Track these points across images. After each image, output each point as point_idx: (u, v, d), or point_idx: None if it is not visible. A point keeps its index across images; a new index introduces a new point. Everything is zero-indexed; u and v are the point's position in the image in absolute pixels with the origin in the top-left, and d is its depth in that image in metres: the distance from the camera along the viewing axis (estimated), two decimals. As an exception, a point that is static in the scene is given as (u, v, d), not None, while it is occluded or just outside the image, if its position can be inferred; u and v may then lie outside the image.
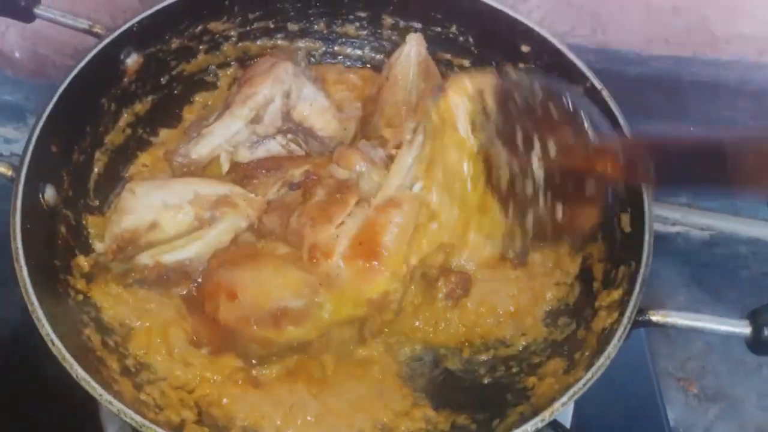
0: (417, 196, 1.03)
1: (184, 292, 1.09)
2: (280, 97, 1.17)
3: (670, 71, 1.38)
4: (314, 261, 0.98)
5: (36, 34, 1.36)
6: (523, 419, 0.89)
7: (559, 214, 0.94)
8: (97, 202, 1.18)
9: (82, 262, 1.07)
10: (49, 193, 1.06)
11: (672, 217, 1.59)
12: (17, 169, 1.01)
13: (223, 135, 1.17)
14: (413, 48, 1.23)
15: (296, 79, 1.19)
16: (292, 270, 0.99)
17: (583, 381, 0.87)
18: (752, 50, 1.33)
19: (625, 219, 1.08)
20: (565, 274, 1.17)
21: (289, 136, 1.21)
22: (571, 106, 0.90)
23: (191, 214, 1.07)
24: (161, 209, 1.06)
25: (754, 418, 1.36)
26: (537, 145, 0.91)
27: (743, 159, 0.69)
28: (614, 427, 1.26)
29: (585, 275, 1.14)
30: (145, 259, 1.05)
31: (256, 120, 1.17)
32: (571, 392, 0.86)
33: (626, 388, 1.27)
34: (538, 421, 0.85)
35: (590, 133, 0.87)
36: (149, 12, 1.19)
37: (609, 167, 0.87)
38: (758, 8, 1.27)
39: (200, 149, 1.17)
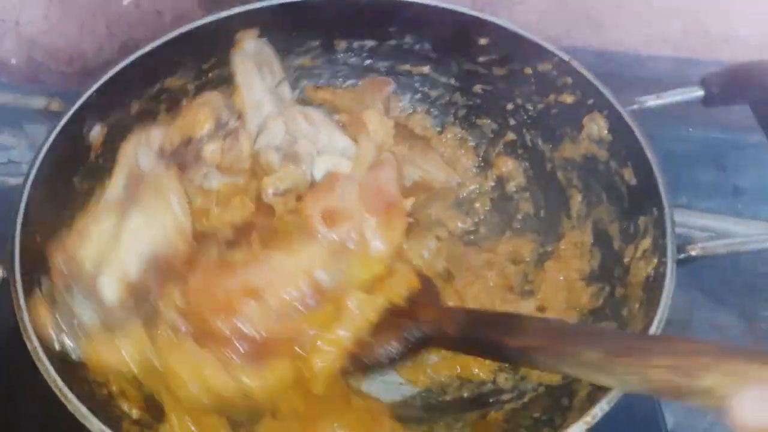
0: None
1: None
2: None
3: (668, 72, 1.43)
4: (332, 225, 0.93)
5: (32, 42, 1.32)
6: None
7: None
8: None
9: None
10: (46, 285, 0.97)
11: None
12: (9, 269, 0.93)
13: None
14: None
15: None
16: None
17: (656, 321, 0.87)
18: (751, 51, 1.33)
19: (628, 173, 1.11)
20: (580, 245, 1.19)
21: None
22: None
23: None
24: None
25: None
26: None
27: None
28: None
29: (601, 238, 1.16)
30: (108, 294, 0.89)
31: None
32: (653, 329, 0.87)
33: (625, 395, 1.26)
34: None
35: None
36: (105, 78, 1.13)
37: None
38: (753, 10, 1.34)
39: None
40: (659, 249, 0.97)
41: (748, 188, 1.53)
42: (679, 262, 0.95)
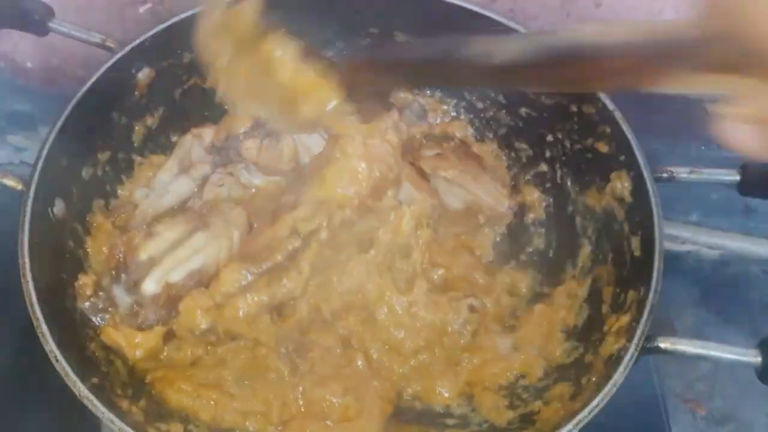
0: None
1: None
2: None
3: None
4: None
5: (48, 46, 1.37)
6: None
7: None
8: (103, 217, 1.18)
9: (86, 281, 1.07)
10: (59, 207, 1.07)
11: (682, 235, 1.56)
12: (27, 183, 1.02)
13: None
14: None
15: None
16: None
17: (588, 409, 0.86)
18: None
19: (636, 242, 1.07)
20: (573, 297, 1.16)
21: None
22: None
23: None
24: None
25: (763, 441, 1.34)
26: None
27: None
28: (619, 448, 1.24)
29: (594, 298, 1.13)
30: (151, 286, 1.03)
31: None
32: (576, 420, 0.86)
33: (632, 409, 1.23)
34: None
35: None
36: (162, 27, 1.19)
37: None
38: None
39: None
40: (629, 331, 0.94)
41: (759, 206, 1.48)
42: (645, 351, 0.92)
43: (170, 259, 1.04)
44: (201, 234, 1.05)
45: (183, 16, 1.21)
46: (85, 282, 1.03)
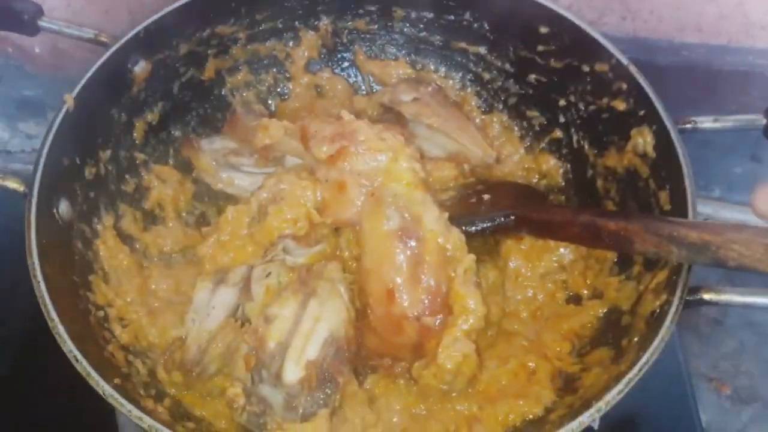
0: None
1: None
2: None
3: (703, 60, 1.33)
4: None
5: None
6: (575, 412, 0.84)
7: None
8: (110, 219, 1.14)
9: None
10: (63, 208, 1.03)
11: (704, 212, 1.52)
12: (29, 184, 0.98)
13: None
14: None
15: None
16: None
17: (638, 366, 0.82)
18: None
19: (664, 197, 1.03)
20: (603, 261, 1.12)
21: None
22: None
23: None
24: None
25: (789, 421, 1.28)
26: None
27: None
28: (645, 429, 1.20)
29: (623, 260, 1.09)
30: (292, 372, 0.92)
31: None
32: (626, 379, 0.81)
33: (657, 389, 1.19)
34: (594, 412, 0.80)
35: None
36: (155, 17, 1.15)
37: None
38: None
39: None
40: (670, 286, 0.90)
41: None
42: (689, 304, 0.88)
43: (298, 337, 0.95)
44: (313, 301, 0.98)
45: (176, 5, 1.17)
46: (235, 393, 0.93)
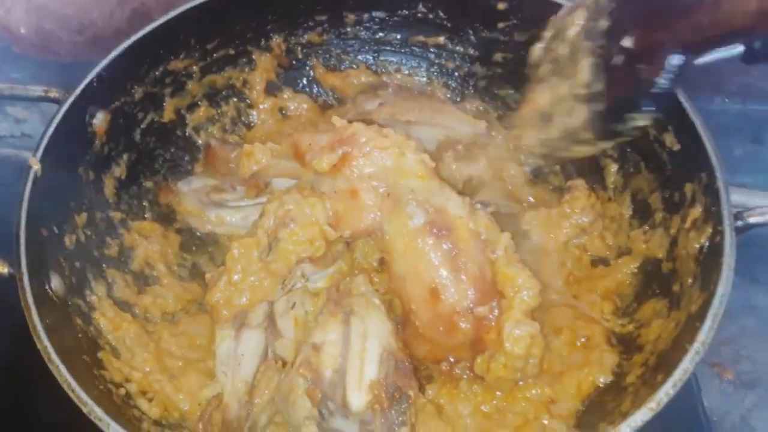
0: None
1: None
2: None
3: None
4: None
5: (41, 8, 1.28)
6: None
7: None
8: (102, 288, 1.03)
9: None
10: (56, 283, 0.92)
11: None
12: (15, 265, 0.86)
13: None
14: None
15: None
16: None
17: (717, 298, 0.80)
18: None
19: (669, 138, 1.03)
20: (618, 218, 1.12)
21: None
22: None
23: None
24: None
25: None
26: None
27: None
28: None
29: (640, 212, 1.08)
30: (357, 397, 0.86)
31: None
32: (711, 314, 0.79)
33: None
34: (693, 356, 0.77)
35: None
36: (104, 63, 1.06)
37: None
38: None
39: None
40: (713, 218, 0.90)
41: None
42: (740, 229, 0.87)
43: (352, 359, 0.88)
44: (354, 319, 0.92)
45: (123, 46, 1.08)
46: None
